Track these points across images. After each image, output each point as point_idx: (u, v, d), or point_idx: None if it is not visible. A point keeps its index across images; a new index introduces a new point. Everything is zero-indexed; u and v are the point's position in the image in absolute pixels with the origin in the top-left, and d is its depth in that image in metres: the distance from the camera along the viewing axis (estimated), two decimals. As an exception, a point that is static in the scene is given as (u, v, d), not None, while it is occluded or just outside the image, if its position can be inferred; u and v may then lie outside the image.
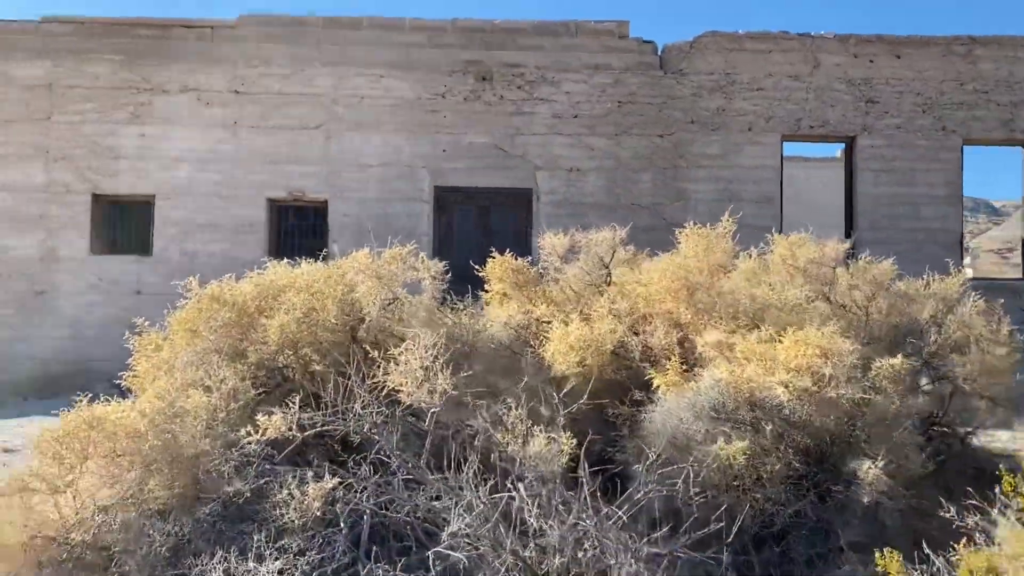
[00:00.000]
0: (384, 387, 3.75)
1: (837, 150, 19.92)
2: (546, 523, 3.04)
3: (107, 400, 4.23)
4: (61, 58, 12.15)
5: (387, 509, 3.50)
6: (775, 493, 3.98)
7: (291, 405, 3.68)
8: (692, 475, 3.53)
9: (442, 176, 12.39)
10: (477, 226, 12.43)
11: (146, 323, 4.94)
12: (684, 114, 12.50)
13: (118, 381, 11.85)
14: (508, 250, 11.81)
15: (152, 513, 3.79)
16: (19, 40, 12.11)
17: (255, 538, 3.30)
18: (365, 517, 3.45)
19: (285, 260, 10.05)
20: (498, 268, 5.92)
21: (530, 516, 3.02)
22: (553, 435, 3.38)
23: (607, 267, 5.94)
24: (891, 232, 12.14)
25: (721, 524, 3.26)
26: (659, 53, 12.64)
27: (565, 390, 4.08)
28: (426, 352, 3.59)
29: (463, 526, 2.99)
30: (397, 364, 3.70)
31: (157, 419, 3.86)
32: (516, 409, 3.48)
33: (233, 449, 3.86)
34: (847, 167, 12.94)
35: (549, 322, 5.41)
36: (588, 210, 12.28)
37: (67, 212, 12.07)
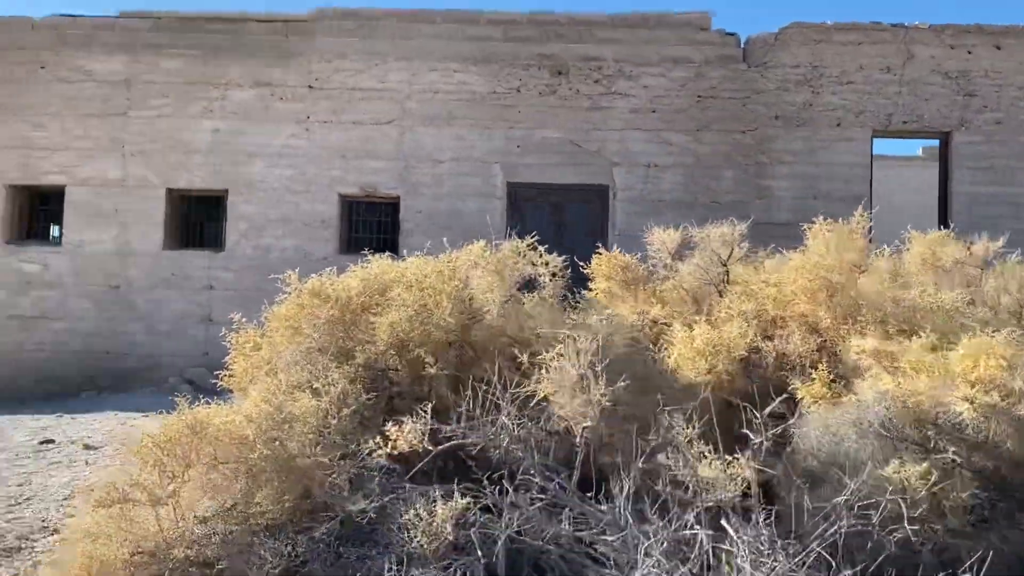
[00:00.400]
0: (520, 396, 3.30)
1: (919, 147, 19.00)
2: (734, 561, 2.56)
3: (207, 401, 3.86)
4: (138, 53, 12.01)
5: (523, 535, 3.06)
6: (958, 524, 3.42)
7: (421, 413, 3.23)
8: (877, 506, 3.00)
9: (515, 172, 11.95)
10: (551, 223, 11.94)
11: (243, 319, 4.57)
12: (768, 109, 11.85)
13: (190, 377, 11.65)
14: (582, 248, 11.30)
15: (260, 528, 3.39)
16: (98, 35, 12.00)
17: (385, 564, 2.87)
18: (499, 544, 3.01)
19: (359, 255, 9.60)
20: (606, 265, 5.44)
21: (740, 559, 2.53)
22: (739, 456, 2.89)
23: (724, 265, 5.41)
24: (990, 234, 11.31)
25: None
26: (742, 45, 12.02)
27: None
28: (581, 357, 3.14)
29: (662, 573, 2.51)
30: (544, 370, 3.24)
31: (264, 424, 3.47)
32: (689, 427, 2.99)
33: (347, 460, 3.45)
34: (941, 164, 12.14)
35: (668, 324, 4.92)
36: (665, 208, 11.74)
37: (142, 207, 11.92)
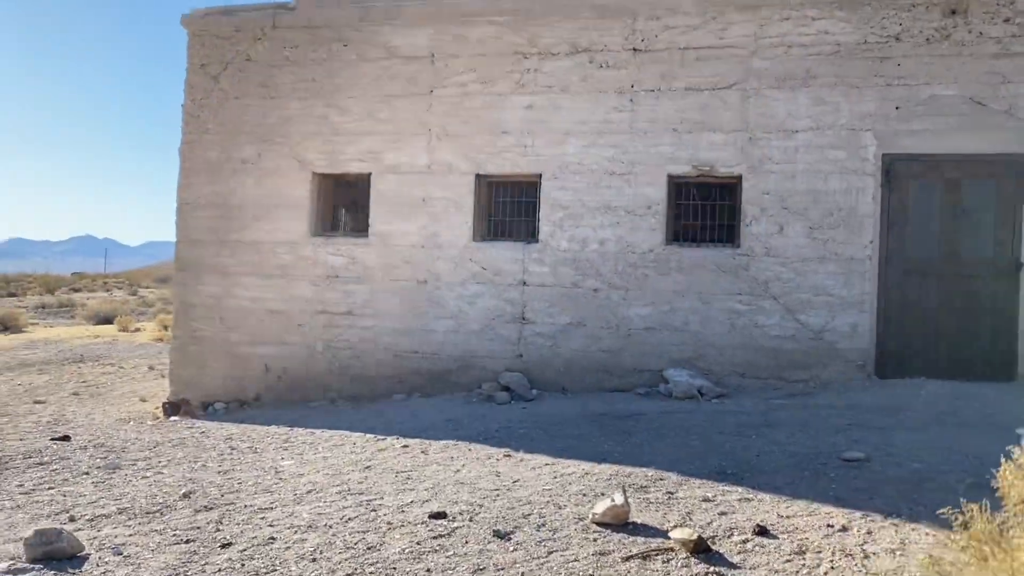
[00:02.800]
0: None
1: None
2: None
3: None
4: (443, 24, 9.98)
5: None
6: None
7: None
8: None
9: (893, 141, 8.82)
10: (943, 206, 8.76)
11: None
12: None
13: (506, 383, 9.59)
14: (989, 239, 7.89)
15: None
16: (401, 7, 10.07)
17: None
18: None
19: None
20: None
21: None
22: None
23: None
24: None
25: None
26: None
27: None
28: None
29: None
30: None
31: None
32: None
33: None
34: None
35: None
36: (1107, 182, 8.22)
37: (449, 195, 10.00)
